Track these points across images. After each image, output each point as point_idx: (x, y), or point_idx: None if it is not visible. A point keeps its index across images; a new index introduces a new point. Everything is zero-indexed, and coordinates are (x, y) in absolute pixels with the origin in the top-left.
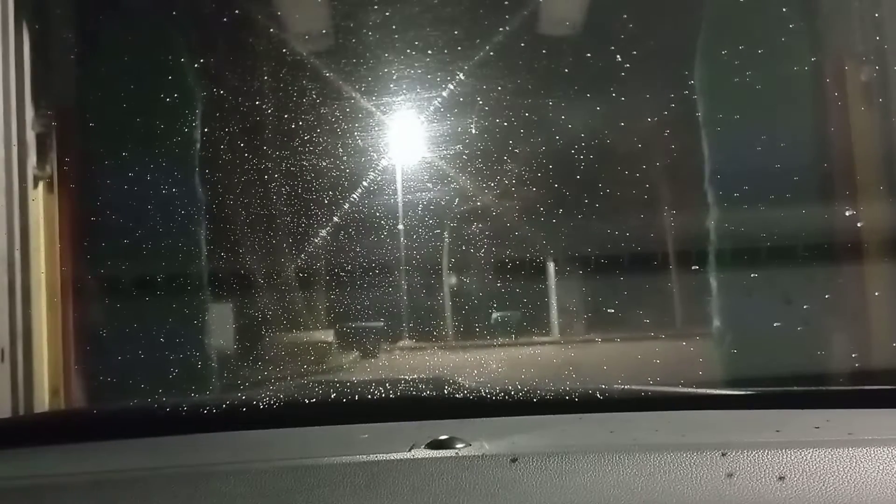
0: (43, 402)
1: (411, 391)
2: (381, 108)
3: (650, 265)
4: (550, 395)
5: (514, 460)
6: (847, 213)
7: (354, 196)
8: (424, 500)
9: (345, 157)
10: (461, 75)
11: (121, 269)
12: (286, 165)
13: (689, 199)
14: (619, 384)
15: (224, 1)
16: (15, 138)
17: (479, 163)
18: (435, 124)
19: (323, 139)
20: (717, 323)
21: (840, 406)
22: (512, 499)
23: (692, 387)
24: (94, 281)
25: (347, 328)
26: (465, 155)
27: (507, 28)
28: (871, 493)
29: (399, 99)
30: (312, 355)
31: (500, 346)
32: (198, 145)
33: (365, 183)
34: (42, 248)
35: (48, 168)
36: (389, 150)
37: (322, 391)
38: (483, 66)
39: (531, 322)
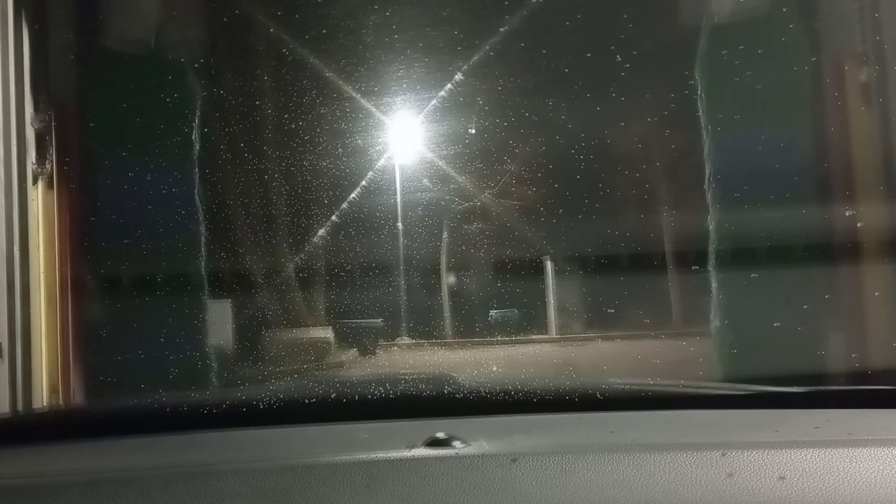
0: (41, 400)
1: (411, 390)
2: (381, 108)
3: (650, 265)
4: (550, 395)
5: (514, 460)
6: (847, 213)
7: (354, 196)
8: (424, 500)
9: (345, 157)
10: (461, 75)
11: (120, 267)
12: (286, 165)
13: (689, 200)
14: (619, 383)
15: (224, 1)
16: (14, 136)
17: (479, 163)
18: (435, 124)
19: (323, 139)
20: (716, 323)
21: (839, 406)
22: (512, 499)
23: (692, 386)
24: (92, 279)
25: (347, 327)
26: (465, 155)
27: (507, 28)
28: (870, 493)
29: (399, 99)
30: (312, 354)
31: (499, 344)
32: (197, 145)
33: (365, 183)
34: (41, 246)
35: (47, 166)
36: (389, 150)
37: (321, 389)
38: (483, 66)
39: (531, 321)
